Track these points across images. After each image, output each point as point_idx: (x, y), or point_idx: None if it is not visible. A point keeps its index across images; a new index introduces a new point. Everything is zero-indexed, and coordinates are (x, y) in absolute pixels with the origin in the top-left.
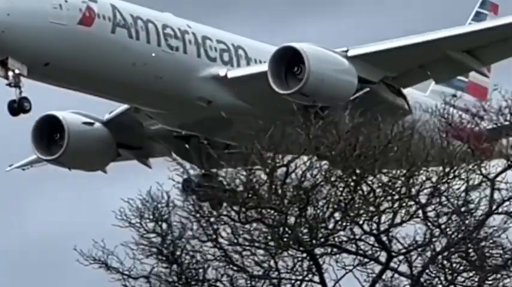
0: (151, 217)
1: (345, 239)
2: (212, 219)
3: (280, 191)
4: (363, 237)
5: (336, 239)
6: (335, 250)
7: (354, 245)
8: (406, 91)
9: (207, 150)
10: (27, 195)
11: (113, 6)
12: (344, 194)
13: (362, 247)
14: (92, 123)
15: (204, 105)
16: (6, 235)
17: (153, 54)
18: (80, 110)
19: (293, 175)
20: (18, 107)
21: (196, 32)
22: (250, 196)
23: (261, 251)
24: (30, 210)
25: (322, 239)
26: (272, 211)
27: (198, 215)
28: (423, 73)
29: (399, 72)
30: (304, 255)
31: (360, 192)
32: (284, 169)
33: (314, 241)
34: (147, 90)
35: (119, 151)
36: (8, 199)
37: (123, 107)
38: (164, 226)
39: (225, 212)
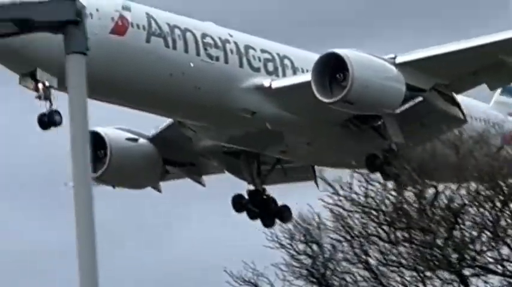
0: (302, 238)
1: (491, 260)
2: (362, 240)
3: (429, 213)
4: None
5: (483, 260)
6: (482, 271)
7: (500, 267)
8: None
9: (257, 165)
10: (171, 214)
11: (148, 15)
12: (491, 214)
13: (509, 268)
14: (136, 140)
15: (248, 117)
16: (153, 255)
17: (192, 64)
18: (126, 125)
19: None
20: (48, 121)
21: (238, 41)
22: (399, 216)
23: (409, 273)
24: (175, 230)
25: (470, 261)
26: (420, 232)
27: (348, 236)
28: (476, 79)
29: (451, 79)
30: (453, 276)
31: (508, 212)
32: (433, 189)
33: (462, 262)
34: (186, 101)
35: (167, 167)
36: (150, 216)
37: (169, 121)
38: (315, 247)
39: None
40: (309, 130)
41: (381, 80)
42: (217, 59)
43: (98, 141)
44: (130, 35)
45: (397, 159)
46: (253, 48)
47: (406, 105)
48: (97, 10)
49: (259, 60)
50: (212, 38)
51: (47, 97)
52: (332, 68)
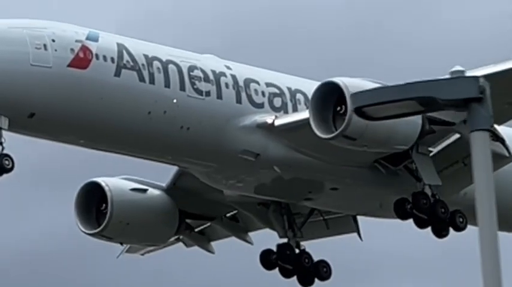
0: None
1: None
2: None
3: None
4: None
5: None
6: None
7: None
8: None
9: (289, 216)
10: None
11: (120, 46)
12: None
13: None
14: (144, 190)
15: (251, 160)
16: None
17: (175, 101)
18: (144, 175)
19: None
20: None
21: (237, 74)
22: None
23: None
24: None
25: None
26: None
27: None
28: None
29: None
30: None
31: None
32: None
33: None
34: (172, 143)
35: (188, 221)
36: None
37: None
38: None
39: None
40: (330, 173)
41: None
42: (207, 94)
43: (98, 193)
44: (93, 68)
45: (438, 203)
46: (256, 82)
47: (443, 144)
48: (53, 41)
49: (263, 95)
50: (202, 71)
51: None
52: (332, 100)
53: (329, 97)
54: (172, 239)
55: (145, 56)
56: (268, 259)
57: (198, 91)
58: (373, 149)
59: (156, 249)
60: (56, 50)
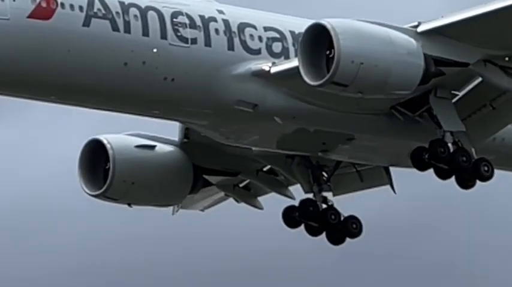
0: None
1: None
2: None
3: None
4: None
5: None
6: None
7: None
8: None
9: (313, 169)
10: None
11: None
12: None
13: None
14: (151, 147)
15: (249, 111)
16: None
17: (155, 50)
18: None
19: None
20: None
21: (231, 18)
22: None
23: None
24: None
25: None
26: None
27: None
28: None
29: (506, 49)
30: None
31: None
32: None
33: None
34: (157, 96)
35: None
36: None
37: None
38: None
39: None
40: (341, 122)
41: (381, 54)
42: (193, 41)
43: (101, 152)
44: (57, 19)
45: (458, 151)
46: (253, 26)
47: (467, 88)
48: None
49: (260, 40)
50: (188, 17)
51: None
52: (323, 43)
53: (319, 40)
54: (220, 195)
55: (121, 3)
56: (291, 217)
57: (182, 39)
58: (370, 95)
59: (212, 205)
60: (14, 1)
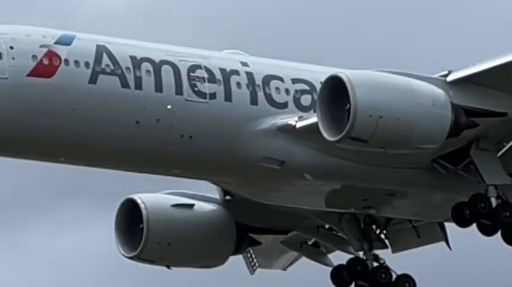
0: None
1: None
2: None
3: None
4: None
5: None
6: None
7: None
8: None
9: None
10: None
11: (100, 48)
12: None
13: None
14: (189, 206)
15: (277, 168)
16: None
17: (169, 107)
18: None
19: None
20: None
21: (255, 71)
22: None
23: None
24: None
25: None
26: None
27: None
28: None
29: None
30: None
31: None
32: None
33: None
34: (174, 154)
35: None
36: None
37: None
38: None
39: None
40: (379, 177)
41: (403, 107)
42: (212, 96)
43: (136, 211)
44: (60, 76)
45: (502, 206)
46: (279, 79)
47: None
48: (11, 48)
49: (287, 93)
50: (207, 70)
51: None
52: (342, 96)
53: (337, 93)
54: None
55: (132, 58)
56: (339, 276)
57: (200, 94)
58: (393, 151)
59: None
60: (13, 58)
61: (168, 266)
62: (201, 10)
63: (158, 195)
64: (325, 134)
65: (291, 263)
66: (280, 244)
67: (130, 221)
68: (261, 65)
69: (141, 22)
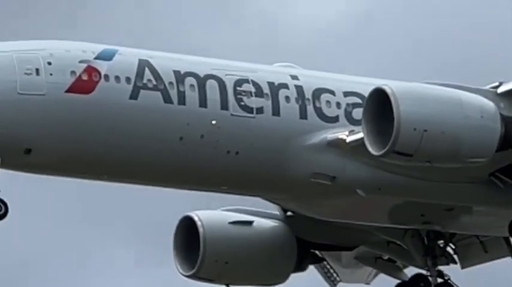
0: None
1: None
2: None
3: None
4: None
5: None
6: None
7: None
8: None
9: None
10: None
11: (143, 63)
12: None
13: None
14: (248, 223)
15: (328, 183)
16: None
17: (214, 122)
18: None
19: None
20: None
21: (305, 84)
22: None
23: None
24: None
25: None
26: None
27: None
28: None
29: None
30: None
31: None
32: None
33: None
34: (220, 171)
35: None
36: None
37: None
38: None
39: None
40: (435, 192)
41: (449, 120)
42: (259, 111)
43: (193, 229)
44: (100, 92)
45: None
46: (331, 92)
47: None
48: (49, 63)
49: (338, 106)
50: (255, 84)
51: None
52: (387, 109)
53: (383, 106)
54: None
55: (176, 73)
56: None
57: (246, 108)
58: (440, 164)
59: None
60: (51, 74)
61: (227, 285)
62: None
63: (216, 212)
64: (370, 148)
65: (375, 276)
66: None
67: (189, 239)
68: (312, 78)
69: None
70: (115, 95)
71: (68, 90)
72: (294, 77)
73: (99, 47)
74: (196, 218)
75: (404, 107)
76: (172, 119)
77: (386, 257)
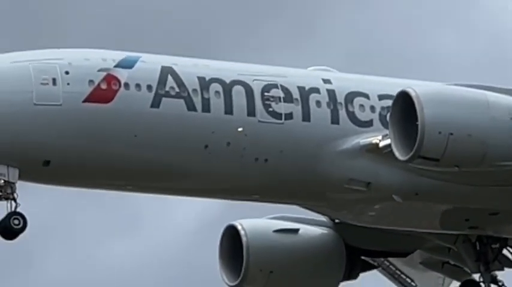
0: None
1: None
2: None
3: None
4: None
5: None
6: None
7: None
8: None
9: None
10: None
11: (166, 70)
12: None
13: None
14: (294, 231)
15: (363, 189)
16: None
17: (240, 129)
18: None
19: None
20: (5, 228)
21: (337, 88)
22: None
23: None
24: None
25: None
26: None
27: None
28: None
29: None
30: None
31: None
32: None
33: None
34: (249, 178)
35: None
36: None
37: None
38: None
39: None
40: (476, 196)
41: (475, 122)
42: (288, 117)
43: (238, 238)
44: (120, 101)
45: None
46: (365, 95)
47: None
48: (66, 73)
49: (373, 110)
50: (284, 89)
51: (8, 197)
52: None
53: (409, 110)
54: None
55: (201, 79)
56: None
57: (274, 114)
58: (468, 169)
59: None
60: (68, 84)
61: None
62: None
63: (261, 220)
64: (397, 153)
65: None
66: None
67: (234, 249)
68: (346, 82)
69: None
70: (135, 103)
71: (86, 100)
72: (327, 81)
73: (121, 55)
74: (239, 227)
75: (429, 110)
76: (196, 127)
77: (453, 263)
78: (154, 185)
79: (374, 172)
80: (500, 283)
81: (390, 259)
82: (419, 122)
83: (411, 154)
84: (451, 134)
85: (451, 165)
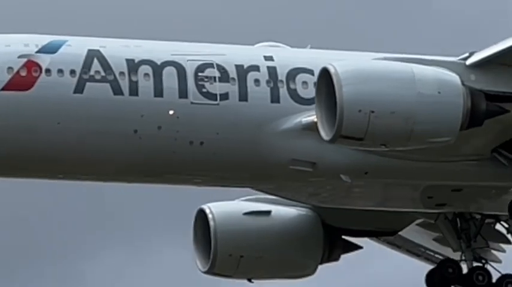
0: None
1: None
2: None
3: None
4: None
5: None
6: None
7: None
8: None
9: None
10: None
11: (92, 53)
12: None
13: None
14: (265, 212)
15: (309, 170)
16: None
17: (171, 112)
18: None
19: None
20: None
21: (280, 65)
22: None
23: None
24: None
25: None
26: None
27: None
28: None
29: None
30: None
31: None
32: None
33: None
34: (186, 163)
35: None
36: None
37: None
38: None
39: None
40: (433, 173)
41: (399, 98)
42: (224, 97)
43: (207, 222)
44: (40, 88)
45: None
46: (309, 71)
47: None
48: None
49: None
50: (220, 68)
51: None
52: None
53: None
54: None
55: (129, 62)
56: (434, 281)
57: (208, 95)
58: (397, 147)
59: None
60: None
61: (249, 280)
62: None
63: (232, 203)
64: (323, 133)
65: None
66: None
67: (207, 233)
68: (290, 58)
69: None
70: (57, 89)
71: (4, 88)
72: (268, 58)
73: (45, 39)
74: (207, 211)
75: (348, 88)
76: (123, 111)
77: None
78: (87, 173)
79: (318, 151)
80: (483, 261)
81: None
82: (337, 101)
83: (333, 134)
84: (372, 111)
85: (377, 144)
